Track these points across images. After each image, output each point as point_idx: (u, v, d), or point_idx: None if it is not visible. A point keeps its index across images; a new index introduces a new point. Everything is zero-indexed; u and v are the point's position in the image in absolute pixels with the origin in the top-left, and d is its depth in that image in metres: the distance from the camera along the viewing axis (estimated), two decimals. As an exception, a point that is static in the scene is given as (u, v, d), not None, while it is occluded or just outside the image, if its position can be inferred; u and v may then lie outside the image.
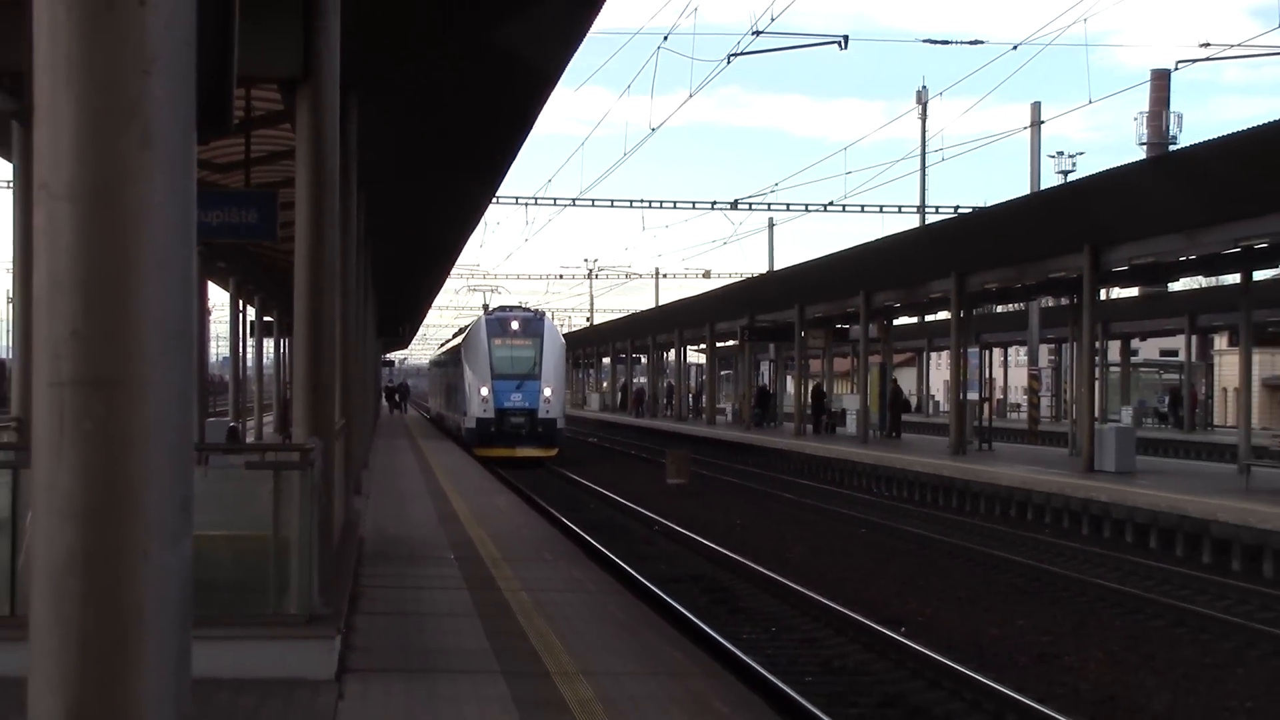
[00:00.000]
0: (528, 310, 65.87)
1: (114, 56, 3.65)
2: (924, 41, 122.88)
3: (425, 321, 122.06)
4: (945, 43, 75.74)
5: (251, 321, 57.63)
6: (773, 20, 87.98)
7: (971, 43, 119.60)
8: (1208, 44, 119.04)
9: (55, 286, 3.71)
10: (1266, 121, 30.02)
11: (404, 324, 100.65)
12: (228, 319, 55.14)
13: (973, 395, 51.91)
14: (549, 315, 66.80)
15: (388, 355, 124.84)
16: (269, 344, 65.48)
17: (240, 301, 52.16)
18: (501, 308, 66.96)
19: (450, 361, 75.32)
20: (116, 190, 3.67)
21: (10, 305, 30.43)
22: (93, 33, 3.64)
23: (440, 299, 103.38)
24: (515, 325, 61.33)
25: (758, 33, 45.86)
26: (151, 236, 3.71)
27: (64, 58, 3.65)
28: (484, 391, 59.07)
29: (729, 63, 45.22)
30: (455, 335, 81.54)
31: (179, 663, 3.84)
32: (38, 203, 3.76)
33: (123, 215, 3.67)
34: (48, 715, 3.74)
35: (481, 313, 68.44)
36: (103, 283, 3.69)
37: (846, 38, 46.80)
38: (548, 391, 59.46)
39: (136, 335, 3.70)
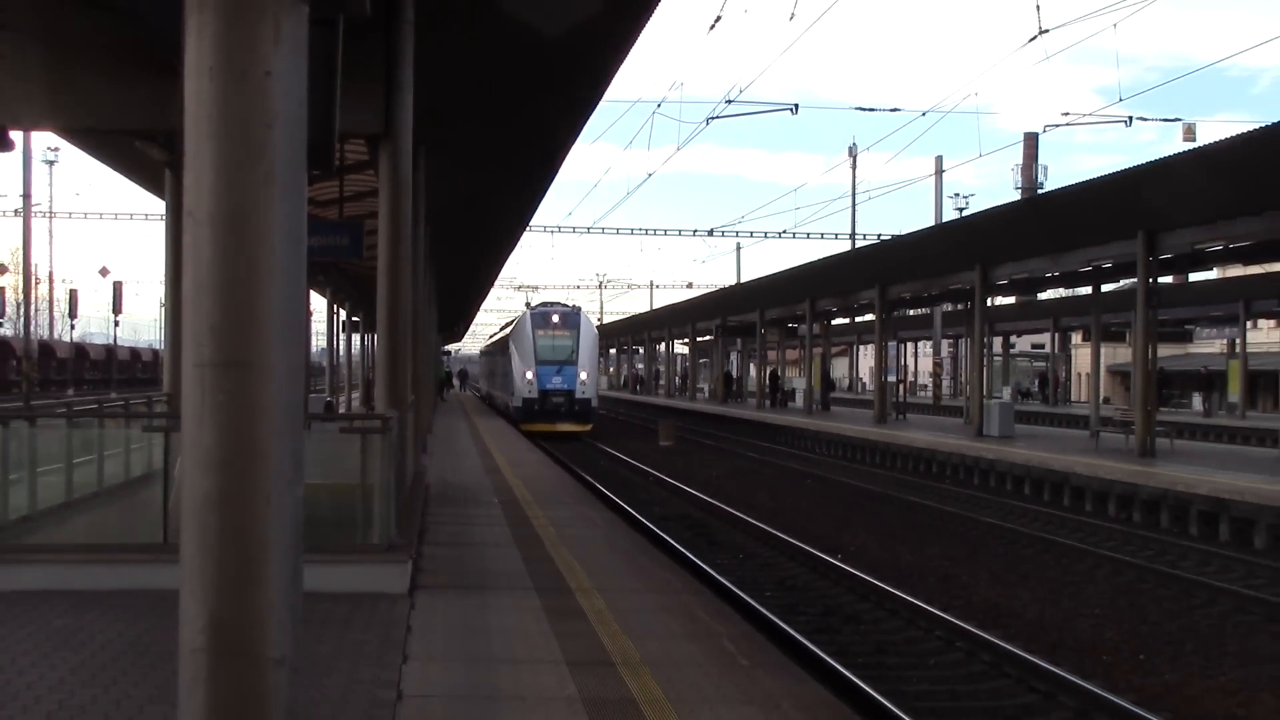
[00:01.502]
0: (566, 305, 59.81)
1: (244, 114, 3.63)
2: (855, 109, 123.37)
3: (475, 321, 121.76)
4: (871, 110, 75.41)
5: (343, 321, 57.48)
6: (740, 92, 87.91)
7: (891, 110, 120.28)
8: (1067, 113, 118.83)
9: (198, 290, 3.69)
10: (1109, 173, 30.21)
11: (458, 322, 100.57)
12: (325, 319, 54.91)
13: (892, 378, 52.02)
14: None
15: (445, 347, 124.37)
16: (356, 338, 65.20)
17: (334, 305, 52.04)
18: (544, 303, 62.31)
19: (499, 349, 68.99)
20: (245, 217, 3.65)
21: (163, 308, 30.40)
22: (228, 96, 3.62)
23: (486, 303, 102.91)
24: (556, 318, 56.00)
25: (729, 101, 45.93)
26: (272, 252, 3.68)
27: (206, 116, 3.62)
28: (529, 375, 54.14)
29: (707, 124, 45.35)
30: (504, 327, 75.56)
31: (294, 579, 3.81)
32: (185, 227, 3.73)
33: (250, 236, 3.65)
34: (195, 619, 3.71)
35: (525, 308, 63.45)
36: (234, 287, 3.66)
37: (797, 105, 47.24)
38: (584, 375, 54.53)
39: (259, 327, 3.67)
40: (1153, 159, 28.81)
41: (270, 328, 3.66)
